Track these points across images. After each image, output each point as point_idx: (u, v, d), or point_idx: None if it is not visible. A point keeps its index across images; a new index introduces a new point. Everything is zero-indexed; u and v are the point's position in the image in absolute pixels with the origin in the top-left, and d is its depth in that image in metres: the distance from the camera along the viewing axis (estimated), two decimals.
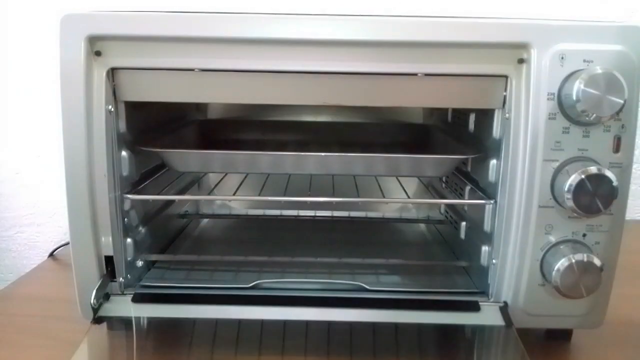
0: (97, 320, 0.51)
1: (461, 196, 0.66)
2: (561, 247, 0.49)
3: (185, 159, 0.60)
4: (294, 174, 0.76)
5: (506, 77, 0.49)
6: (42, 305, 0.66)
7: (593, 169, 0.46)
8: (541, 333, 0.58)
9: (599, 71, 0.45)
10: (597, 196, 0.46)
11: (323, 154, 0.57)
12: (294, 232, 0.81)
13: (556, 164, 0.48)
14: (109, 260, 0.52)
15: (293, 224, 0.84)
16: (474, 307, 0.53)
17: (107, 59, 0.49)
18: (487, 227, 0.55)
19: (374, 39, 0.48)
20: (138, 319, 0.54)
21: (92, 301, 0.51)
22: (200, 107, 0.86)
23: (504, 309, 0.52)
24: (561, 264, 0.48)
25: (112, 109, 0.50)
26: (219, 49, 0.49)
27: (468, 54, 0.49)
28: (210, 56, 0.49)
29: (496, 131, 0.54)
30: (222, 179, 0.85)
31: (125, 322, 0.55)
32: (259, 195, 0.79)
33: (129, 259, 0.56)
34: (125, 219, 0.54)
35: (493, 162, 0.54)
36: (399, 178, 0.80)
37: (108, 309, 0.52)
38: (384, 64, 0.49)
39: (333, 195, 0.73)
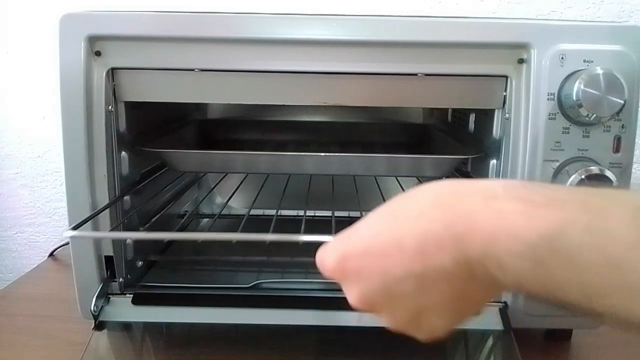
0: (98, 326, 0.51)
1: None
2: None
3: (185, 159, 0.60)
4: (294, 174, 0.76)
5: (506, 77, 0.49)
6: (42, 305, 0.66)
7: (593, 169, 0.46)
8: (541, 333, 0.58)
9: (599, 71, 0.45)
10: None
11: (322, 154, 0.57)
12: (294, 232, 0.80)
13: (556, 164, 0.48)
14: (109, 260, 0.52)
15: (293, 224, 0.84)
16: None
17: (107, 59, 0.49)
18: None
19: (374, 39, 0.48)
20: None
21: (92, 308, 0.51)
22: (200, 107, 0.86)
23: (504, 311, 0.52)
24: None
25: (112, 109, 0.50)
26: (219, 49, 0.49)
27: (468, 54, 0.49)
28: (210, 56, 0.49)
29: (496, 131, 0.54)
30: (221, 179, 0.85)
31: (126, 324, 0.56)
32: (258, 195, 0.79)
33: (129, 259, 0.55)
34: (125, 219, 0.54)
35: (493, 162, 0.54)
36: (399, 178, 0.80)
37: (109, 313, 0.52)
38: (384, 64, 0.49)
39: (333, 196, 0.73)
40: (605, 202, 0.24)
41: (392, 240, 0.29)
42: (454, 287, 0.28)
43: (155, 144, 0.58)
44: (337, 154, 0.59)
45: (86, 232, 0.49)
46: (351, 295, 0.32)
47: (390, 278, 0.29)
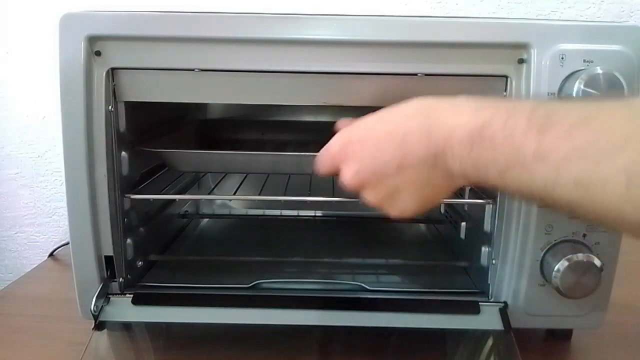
0: (98, 326, 0.51)
1: (461, 196, 0.66)
2: (561, 247, 0.49)
3: (185, 159, 0.60)
4: (294, 174, 0.76)
5: (506, 77, 0.49)
6: (42, 305, 0.66)
7: None
8: (541, 333, 0.58)
9: (599, 71, 0.45)
10: None
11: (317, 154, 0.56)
12: (294, 232, 0.81)
13: None
14: (109, 260, 0.52)
15: (293, 224, 0.84)
16: (474, 308, 0.52)
17: (107, 59, 0.49)
18: (487, 227, 0.55)
19: (374, 39, 0.48)
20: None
21: (92, 308, 0.51)
22: (200, 107, 0.86)
23: (504, 311, 0.52)
24: (561, 264, 0.48)
25: (112, 109, 0.50)
26: (219, 49, 0.49)
27: (468, 54, 0.49)
28: (210, 56, 0.49)
29: None
30: (221, 178, 0.85)
31: (126, 324, 0.56)
32: (259, 195, 0.79)
33: (129, 259, 0.55)
34: (125, 219, 0.54)
35: None
36: None
37: (109, 313, 0.52)
38: (384, 64, 0.49)
39: (333, 195, 0.73)
40: (517, 104, 0.33)
41: (385, 133, 0.39)
42: (423, 172, 0.38)
43: (156, 144, 0.58)
44: None
45: (144, 195, 0.58)
46: (347, 173, 0.41)
47: (379, 160, 0.39)
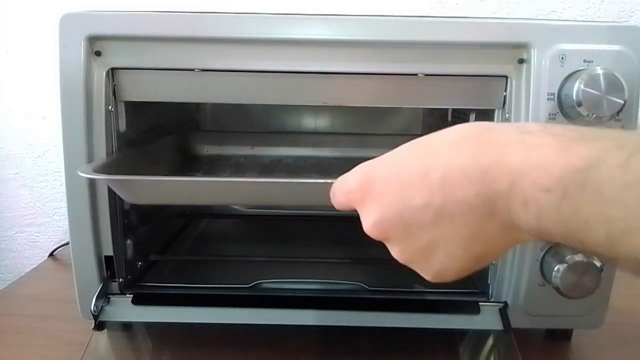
0: (98, 326, 0.51)
1: None
2: (561, 247, 0.49)
3: (134, 187, 0.47)
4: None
5: (506, 77, 0.49)
6: (42, 305, 0.66)
7: None
8: (541, 333, 0.58)
9: (599, 71, 0.45)
10: None
11: (314, 181, 0.45)
12: (295, 232, 0.80)
13: None
14: (109, 260, 0.52)
15: (294, 224, 0.84)
16: (474, 308, 0.52)
17: (107, 59, 0.49)
18: None
19: (374, 39, 0.48)
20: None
21: (92, 308, 0.51)
22: (200, 108, 0.85)
23: (504, 311, 0.52)
24: (561, 264, 0.48)
25: (112, 109, 0.50)
26: (219, 49, 0.49)
27: (468, 54, 0.49)
28: (210, 56, 0.49)
29: None
30: None
31: (126, 324, 0.56)
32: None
33: (129, 259, 0.55)
34: (125, 219, 0.54)
35: None
36: None
37: (109, 313, 0.52)
38: (384, 64, 0.49)
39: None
40: (634, 136, 0.23)
41: (419, 169, 0.28)
42: (472, 224, 0.27)
43: (96, 166, 0.47)
44: (330, 182, 0.45)
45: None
46: (367, 220, 0.31)
47: (409, 206, 0.29)
